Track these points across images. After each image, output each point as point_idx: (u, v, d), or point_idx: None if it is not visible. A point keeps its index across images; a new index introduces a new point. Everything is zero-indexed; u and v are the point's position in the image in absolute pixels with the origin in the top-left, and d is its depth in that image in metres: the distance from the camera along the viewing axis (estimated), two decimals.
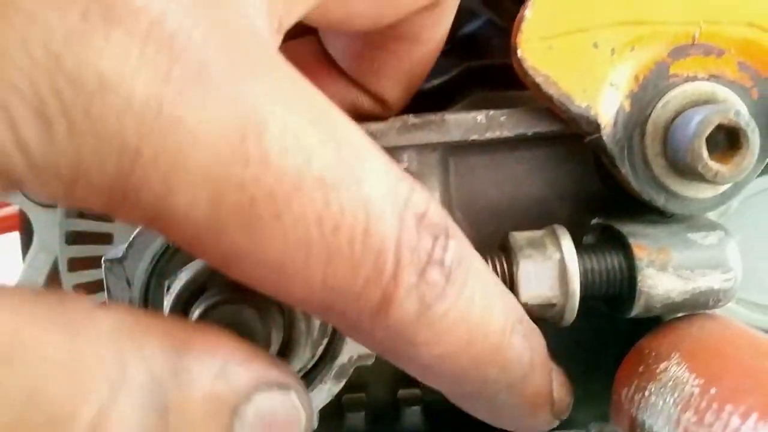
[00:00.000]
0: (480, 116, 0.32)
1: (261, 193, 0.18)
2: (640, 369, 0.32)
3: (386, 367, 0.36)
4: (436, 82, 0.41)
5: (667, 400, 0.29)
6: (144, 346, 0.19)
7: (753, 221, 0.38)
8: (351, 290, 0.20)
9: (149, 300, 0.30)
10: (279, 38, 0.23)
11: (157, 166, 0.18)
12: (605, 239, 0.34)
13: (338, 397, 0.33)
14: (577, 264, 0.31)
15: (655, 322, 0.34)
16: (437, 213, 0.22)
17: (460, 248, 0.22)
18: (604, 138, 0.31)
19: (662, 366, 0.31)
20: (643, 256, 0.31)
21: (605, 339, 0.36)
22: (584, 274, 0.32)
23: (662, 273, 0.31)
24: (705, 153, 0.29)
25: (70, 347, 0.18)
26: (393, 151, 0.32)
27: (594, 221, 0.35)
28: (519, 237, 0.32)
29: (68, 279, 0.44)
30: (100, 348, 0.18)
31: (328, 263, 0.20)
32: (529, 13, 0.30)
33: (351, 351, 0.31)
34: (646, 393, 0.30)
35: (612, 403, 0.33)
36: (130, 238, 0.30)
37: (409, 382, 0.38)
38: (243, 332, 0.26)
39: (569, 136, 0.32)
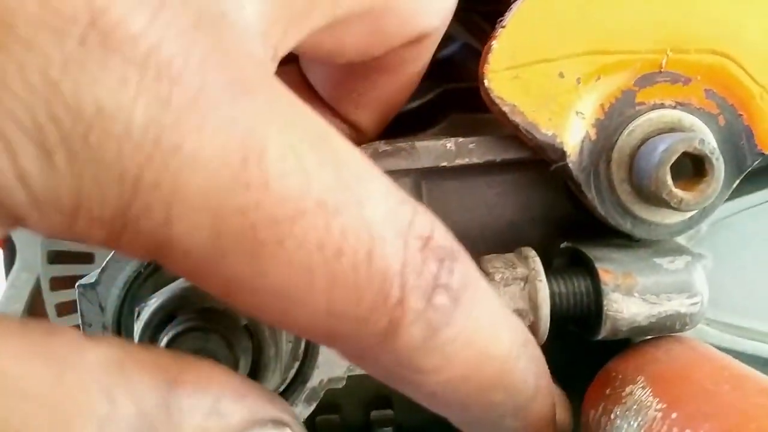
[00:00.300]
0: (449, 143, 0.32)
1: (262, 218, 0.18)
2: (607, 392, 0.32)
3: (359, 389, 0.37)
4: (413, 104, 0.42)
5: (632, 423, 0.29)
6: (134, 380, 0.18)
7: (724, 243, 0.39)
8: (356, 316, 0.20)
9: (122, 325, 0.31)
10: (274, 65, 0.23)
11: (158, 194, 0.17)
12: (574, 263, 0.34)
13: (311, 418, 0.34)
14: (546, 288, 0.32)
15: (625, 343, 0.35)
16: (442, 235, 0.22)
17: (466, 271, 0.22)
18: (570, 165, 0.31)
19: (628, 389, 0.31)
20: (608, 281, 0.32)
21: (577, 360, 0.36)
22: (553, 298, 0.32)
23: (628, 297, 0.32)
24: (669, 181, 0.30)
25: (56, 382, 0.17)
26: None
27: (563, 245, 0.35)
28: (490, 261, 0.33)
29: (50, 298, 0.45)
30: (88, 383, 0.17)
31: (332, 289, 0.19)
32: (495, 43, 0.31)
33: (322, 374, 0.32)
34: (612, 416, 0.31)
35: (581, 424, 0.34)
36: (103, 264, 0.30)
37: (382, 403, 0.38)
38: (210, 359, 0.27)
39: (540, 161, 0.33)
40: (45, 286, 0.44)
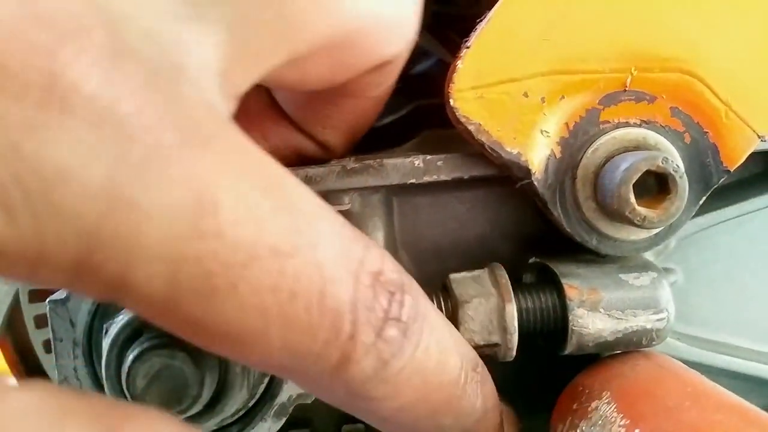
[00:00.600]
0: (417, 161, 0.33)
1: (217, 265, 0.19)
2: (574, 406, 0.32)
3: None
4: (387, 120, 0.42)
5: None
6: (66, 431, 0.17)
7: (695, 258, 0.39)
8: (310, 352, 0.21)
9: (93, 341, 0.31)
10: (234, 104, 0.23)
11: (115, 246, 0.18)
12: (542, 278, 0.35)
13: None
14: (514, 306, 0.32)
15: (594, 357, 0.35)
16: (392, 269, 0.23)
17: (416, 302, 0.23)
18: (536, 183, 0.32)
19: (593, 404, 0.31)
20: (574, 296, 0.32)
21: (546, 374, 0.36)
22: (521, 314, 0.33)
23: (593, 313, 0.32)
24: (632, 199, 0.30)
25: None
26: (334, 194, 0.33)
27: (532, 260, 0.35)
28: (458, 278, 0.33)
29: (29, 311, 0.45)
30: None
31: (287, 329, 0.20)
32: (460, 63, 0.31)
33: (291, 390, 0.32)
34: (578, 431, 0.31)
35: None
36: None
37: (354, 418, 0.39)
38: (175, 376, 0.27)
39: (508, 178, 0.33)
40: (23, 298, 0.45)
